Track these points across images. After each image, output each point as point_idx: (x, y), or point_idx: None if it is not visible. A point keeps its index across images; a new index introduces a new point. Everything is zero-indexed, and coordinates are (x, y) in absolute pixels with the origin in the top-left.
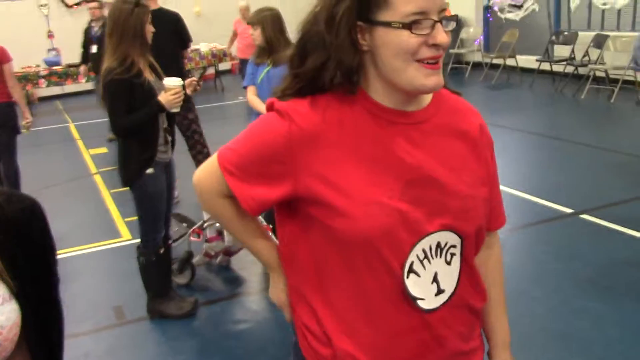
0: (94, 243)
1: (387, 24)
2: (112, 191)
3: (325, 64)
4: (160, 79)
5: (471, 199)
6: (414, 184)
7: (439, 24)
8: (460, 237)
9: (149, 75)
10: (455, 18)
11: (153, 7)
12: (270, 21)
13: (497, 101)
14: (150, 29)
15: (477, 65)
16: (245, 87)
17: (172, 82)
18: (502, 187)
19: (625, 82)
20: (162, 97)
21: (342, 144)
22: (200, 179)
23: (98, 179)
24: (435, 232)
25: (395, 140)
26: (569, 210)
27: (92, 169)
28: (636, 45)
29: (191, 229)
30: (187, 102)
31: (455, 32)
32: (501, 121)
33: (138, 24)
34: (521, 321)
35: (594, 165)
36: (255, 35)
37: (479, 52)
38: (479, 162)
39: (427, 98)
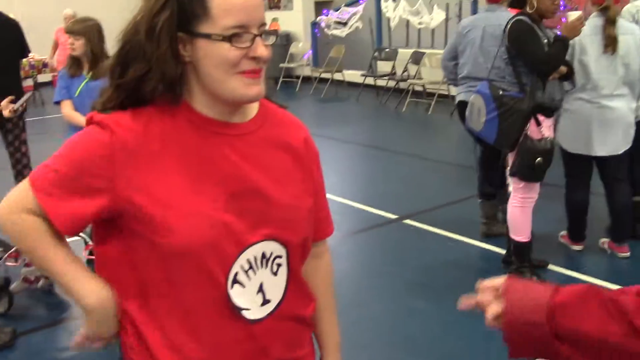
0: None
1: (208, 36)
2: None
3: (146, 75)
4: None
5: (295, 209)
6: (238, 195)
7: (258, 38)
8: (284, 247)
9: None
10: (275, 32)
11: None
12: (96, 31)
13: (326, 114)
14: None
15: (306, 79)
16: (57, 103)
17: None
18: (332, 197)
19: (441, 95)
20: None
21: (165, 157)
22: (5, 197)
23: None
24: (259, 242)
25: (219, 152)
26: (394, 216)
27: None
28: (442, 64)
29: (7, 253)
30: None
31: (285, 47)
32: (330, 133)
33: None
34: (354, 327)
35: (415, 173)
36: (77, 45)
37: (308, 66)
38: (303, 174)
39: (253, 110)
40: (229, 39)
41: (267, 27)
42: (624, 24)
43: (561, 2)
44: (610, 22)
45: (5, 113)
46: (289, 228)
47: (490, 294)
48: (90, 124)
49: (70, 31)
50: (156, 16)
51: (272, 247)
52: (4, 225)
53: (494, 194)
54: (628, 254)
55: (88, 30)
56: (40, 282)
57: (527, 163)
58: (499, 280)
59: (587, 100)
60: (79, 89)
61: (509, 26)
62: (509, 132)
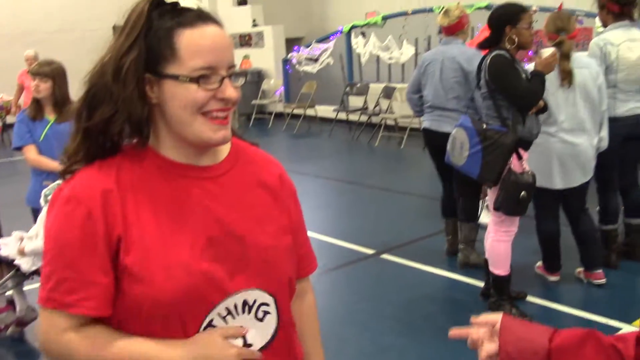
0: None
1: (175, 77)
2: None
3: (113, 117)
4: None
5: (274, 249)
6: (215, 240)
7: (227, 79)
8: (271, 295)
9: None
10: (245, 73)
11: None
12: (62, 74)
13: (299, 149)
14: None
15: (279, 115)
16: (19, 148)
17: None
18: (308, 233)
19: (412, 129)
20: None
21: (138, 208)
22: (39, 335)
23: None
24: (240, 291)
25: (191, 197)
26: (370, 251)
27: None
28: (407, 97)
29: None
30: None
31: (257, 84)
32: (304, 169)
33: None
34: None
35: (390, 207)
36: (42, 88)
37: (280, 102)
38: (280, 212)
39: (224, 151)
40: (197, 80)
41: (236, 68)
42: (579, 58)
43: None
44: (564, 56)
45: None
46: (269, 271)
47: (485, 331)
48: (60, 201)
49: (36, 73)
50: (123, 57)
51: (256, 295)
52: (60, 357)
53: (474, 217)
54: (604, 280)
55: (55, 73)
56: (10, 329)
57: (512, 197)
58: (494, 317)
59: (550, 134)
60: (44, 133)
61: (488, 61)
62: (494, 166)
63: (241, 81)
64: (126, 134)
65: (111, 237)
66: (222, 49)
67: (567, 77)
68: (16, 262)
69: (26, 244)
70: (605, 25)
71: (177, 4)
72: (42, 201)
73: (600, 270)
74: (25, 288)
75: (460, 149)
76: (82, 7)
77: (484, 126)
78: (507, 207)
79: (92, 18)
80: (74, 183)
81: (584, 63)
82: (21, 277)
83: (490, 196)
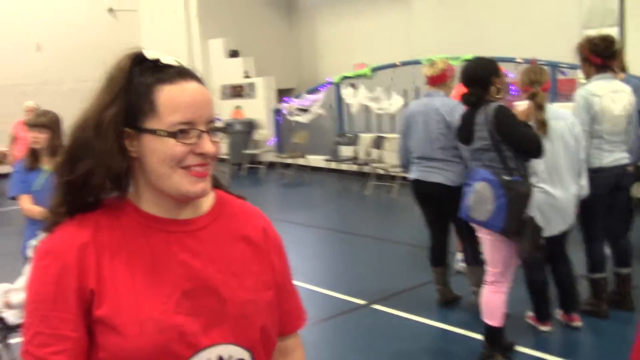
0: None
1: (154, 132)
2: None
3: (93, 170)
4: None
5: (252, 303)
6: (191, 294)
7: (205, 134)
8: (247, 351)
9: None
10: (223, 129)
11: None
12: (58, 123)
13: (291, 199)
14: None
15: (271, 165)
16: (13, 198)
17: None
18: (298, 283)
19: (403, 178)
20: None
21: (114, 262)
22: None
23: None
24: (215, 345)
25: (168, 251)
26: (362, 302)
27: None
28: (401, 151)
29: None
30: None
31: (248, 134)
32: (296, 218)
33: None
34: None
35: (382, 257)
36: (41, 138)
37: (272, 152)
38: (261, 266)
39: (206, 204)
40: (175, 135)
41: (217, 123)
42: (554, 109)
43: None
44: (538, 107)
45: None
46: (247, 325)
47: None
48: (37, 255)
49: (34, 124)
50: (104, 112)
51: (232, 351)
52: None
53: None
54: (580, 323)
55: (51, 123)
56: None
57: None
58: None
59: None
60: (40, 183)
61: (491, 113)
62: (517, 216)
63: (220, 136)
64: (105, 188)
65: (84, 290)
66: (201, 104)
67: (542, 127)
68: (2, 315)
69: (13, 296)
70: (587, 77)
71: (158, 60)
72: (28, 252)
73: (576, 314)
74: (11, 341)
75: (483, 204)
76: (71, 60)
77: (506, 178)
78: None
79: (82, 70)
80: (52, 237)
81: (559, 114)
82: (7, 329)
83: (489, 250)
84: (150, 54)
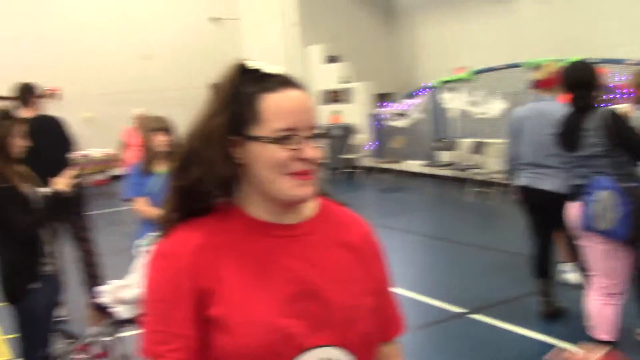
0: None
1: (258, 139)
2: None
3: (202, 177)
4: (38, 186)
5: (356, 309)
6: (296, 298)
7: (308, 140)
8: (351, 354)
9: (19, 183)
10: (326, 135)
11: (30, 114)
12: (173, 128)
13: (388, 204)
14: (18, 142)
15: (368, 170)
16: (129, 199)
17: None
18: (396, 289)
19: (503, 184)
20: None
21: (226, 263)
22: None
23: None
24: (320, 347)
25: (275, 255)
26: (460, 310)
27: None
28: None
29: (74, 346)
30: (76, 207)
31: (345, 139)
32: (392, 224)
33: (2, 136)
34: None
35: (482, 265)
36: (166, 141)
37: (369, 157)
38: (364, 273)
39: (309, 210)
40: (278, 141)
41: (319, 130)
42: None
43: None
44: None
45: (61, 186)
46: (351, 330)
47: None
48: (155, 256)
49: (162, 128)
50: (211, 120)
51: (336, 354)
52: None
53: None
54: None
55: (171, 126)
56: None
57: None
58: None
59: None
60: (156, 186)
61: (608, 118)
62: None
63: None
64: (216, 193)
65: (201, 291)
66: (303, 111)
67: None
68: (113, 309)
69: (124, 292)
70: None
71: (261, 70)
72: (135, 251)
73: None
74: (122, 335)
75: (607, 212)
76: (175, 68)
77: (630, 185)
78: None
79: (185, 78)
80: (168, 240)
81: None
82: (118, 324)
83: (603, 260)
84: (253, 64)
